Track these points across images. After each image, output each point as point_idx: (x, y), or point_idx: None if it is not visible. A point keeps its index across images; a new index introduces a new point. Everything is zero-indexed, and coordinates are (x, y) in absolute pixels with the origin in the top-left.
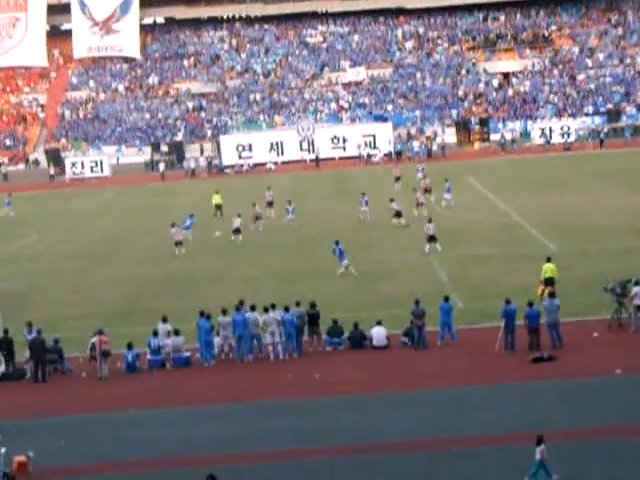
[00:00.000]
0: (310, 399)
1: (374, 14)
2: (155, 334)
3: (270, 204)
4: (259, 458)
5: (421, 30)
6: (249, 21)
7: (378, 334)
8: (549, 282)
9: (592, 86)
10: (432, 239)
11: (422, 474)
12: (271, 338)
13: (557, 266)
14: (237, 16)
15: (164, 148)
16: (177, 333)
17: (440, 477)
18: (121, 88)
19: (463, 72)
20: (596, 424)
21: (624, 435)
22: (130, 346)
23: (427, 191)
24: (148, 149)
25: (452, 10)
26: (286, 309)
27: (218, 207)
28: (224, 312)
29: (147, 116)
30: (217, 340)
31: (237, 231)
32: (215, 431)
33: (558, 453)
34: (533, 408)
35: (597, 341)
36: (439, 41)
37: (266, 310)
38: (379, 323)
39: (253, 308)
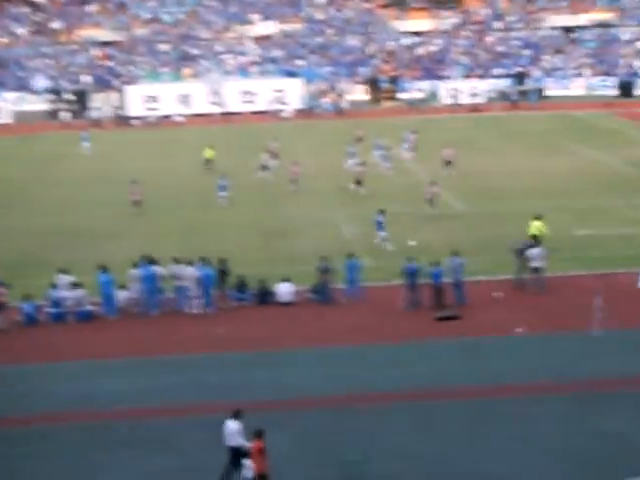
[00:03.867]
0: (214, 354)
1: None
2: (54, 286)
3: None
4: (161, 412)
5: None
6: None
7: (284, 290)
8: (535, 239)
9: (501, 48)
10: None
11: (327, 430)
12: (184, 292)
13: (544, 225)
14: None
15: (68, 96)
16: (78, 286)
17: (345, 433)
18: (23, 32)
19: (374, 30)
20: (496, 382)
21: (521, 393)
22: (27, 298)
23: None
24: (51, 97)
25: None
26: (203, 263)
27: (209, 161)
28: (135, 265)
29: (51, 62)
30: (125, 293)
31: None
32: (117, 385)
33: (460, 410)
34: (436, 366)
35: (500, 300)
36: None
37: (176, 261)
38: (286, 280)
39: (156, 262)
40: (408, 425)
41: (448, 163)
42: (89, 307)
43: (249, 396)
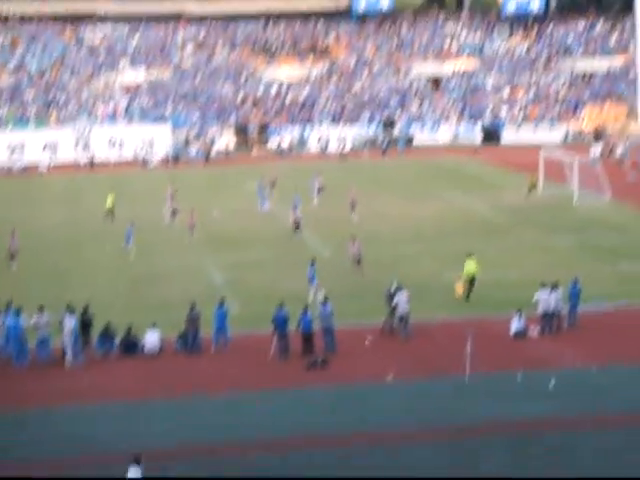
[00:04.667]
0: (77, 406)
1: (154, 17)
2: None
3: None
4: (16, 469)
5: (202, 35)
6: (25, 18)
7: (151, 339)
8: (471, 280)
9: (368, 96)
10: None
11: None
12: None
13: (478, 265)
14: (12, 13)
15: None
16: None
17: None
18: None
19: (243, 78)
20: (368, 430)
21: (391, 441)
22: None
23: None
24: None
25: (232, 17)
26: (71, 311)
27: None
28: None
29: None
30: None
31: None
32: None
33: (329, 458)
34: (306, 414)
35: (370, 347)
36: (219, 46)
37: (40, 310)
38: (152, 327)
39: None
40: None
41: (353, 206)
42: None
43: (100, 449)
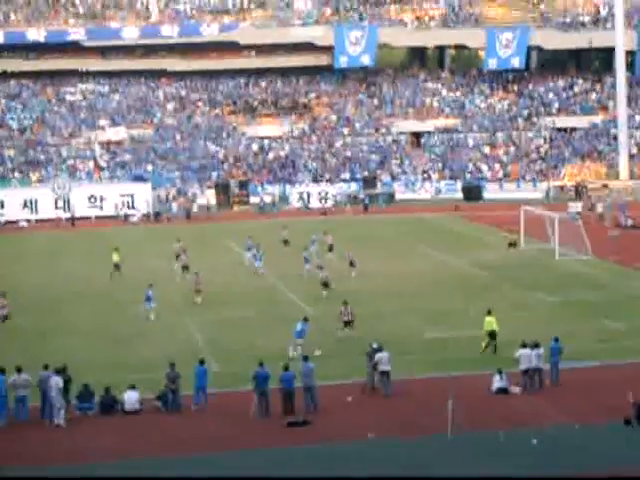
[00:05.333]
0: (56, 467)
1: (135, 74)
2: None
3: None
4: None
5: (183, 92)
6: (6, 76)
7: (130, 398)
8: (492, 335)
9: (349, 153)
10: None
11: None
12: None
13: (496, 320)
14: None
15: None
16: None
17: None
18: None
19: (224, 135)
20: None
21: None
22: None
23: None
24: None
25: (213, 74)
26: (57, 371)
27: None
28: None
29: None
30: None
31: None
32: None
33: None
34: (287, 472)
35: (351, 405)
36: (200, 104)
37: (19, 371)
38: (132, 387)
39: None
40: None
41: (351, 263)
42: None
43: None
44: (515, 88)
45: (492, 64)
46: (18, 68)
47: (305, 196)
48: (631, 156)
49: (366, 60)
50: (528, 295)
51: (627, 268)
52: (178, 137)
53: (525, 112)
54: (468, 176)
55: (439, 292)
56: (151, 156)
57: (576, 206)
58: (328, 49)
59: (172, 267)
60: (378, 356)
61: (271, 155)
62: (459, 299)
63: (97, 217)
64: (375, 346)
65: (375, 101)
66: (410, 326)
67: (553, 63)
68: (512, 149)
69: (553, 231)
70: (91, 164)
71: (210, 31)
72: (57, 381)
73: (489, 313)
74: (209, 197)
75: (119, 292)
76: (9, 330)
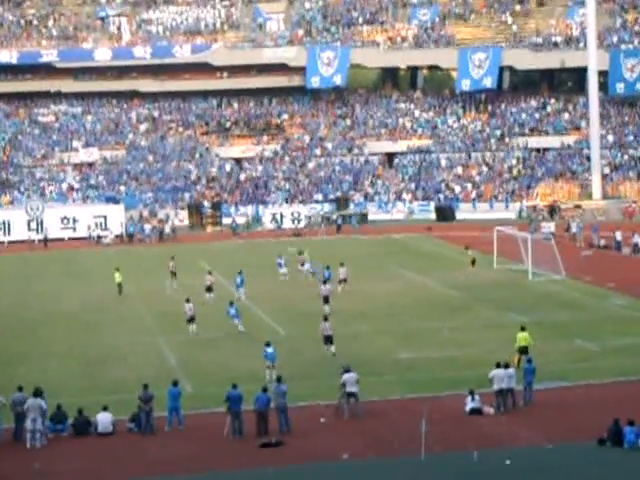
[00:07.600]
0: None
1: (108, 95)
2: None
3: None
4: None
5: (155, 113)
6: None
7: (103, 420)
8: (524, 351)
9: (322, 174)
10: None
11: None
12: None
13: (531, 335)
14: None
15: None
16: None
17: None
18: None
19: (196, 156)
20: None
21: None
22: None
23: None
24: None
25: (186, 95)
26: (35, 394)
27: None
28: None
29: None
30: None
31: None
32: None
33: None
34: None
35: (324, 426)
36: (173, 125)
37: None
38: (105, 409)
39: None
40: None
41: (342, 281)
42: None
43: None
44: (488, 108)
45: (465, 85)
46: None
47: (278, 217)
48: (604, 176)
49: (339, 80)
50: (502, 315)
51: (600, 288)
52: (151, 158)
53: (498, 132)
54: (441, 197)
55: (412, 312)
56: (124, 177)
57: (549, 226)
58: (300, 70)
59: (167, 284)
60: (345, 377)
61: (243, 176)
62: (432, 319)
63: (70, 238)
64: (342, 369)
65: (348, 121)
66: (383, 346)
67: (526, 83)
68: (485, 169)
69: (526, 251)
70: (64, 186)
71: (182, 52)
72: (40, 404)
73: (523, 329)
74: (182, 218)
75: (89, 313)
76: None
